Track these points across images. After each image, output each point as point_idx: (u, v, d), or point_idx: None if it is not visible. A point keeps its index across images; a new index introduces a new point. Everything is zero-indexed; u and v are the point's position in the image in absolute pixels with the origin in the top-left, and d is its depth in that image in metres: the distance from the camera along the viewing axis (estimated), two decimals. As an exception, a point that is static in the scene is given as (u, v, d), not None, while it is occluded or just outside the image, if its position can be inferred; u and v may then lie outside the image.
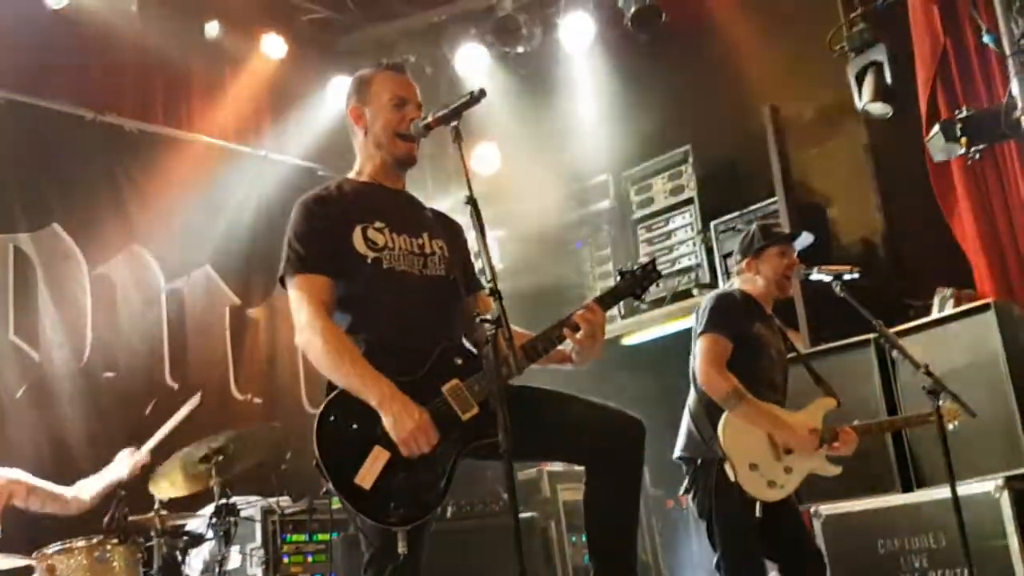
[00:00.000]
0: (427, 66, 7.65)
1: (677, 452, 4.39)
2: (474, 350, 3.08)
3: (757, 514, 4.08)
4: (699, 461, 4.24)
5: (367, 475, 2.79)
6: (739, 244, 4.63)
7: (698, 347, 4.29)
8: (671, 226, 7.49)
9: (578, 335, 3.01)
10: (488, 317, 2.67)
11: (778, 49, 6.78)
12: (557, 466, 6.24)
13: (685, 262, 7.27)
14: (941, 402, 4.18)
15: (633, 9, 7.01)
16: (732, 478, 4.09)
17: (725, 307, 4.34)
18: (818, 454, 4.28)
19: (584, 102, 7.72)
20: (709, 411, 4.23)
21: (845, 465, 4.46)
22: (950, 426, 4.31)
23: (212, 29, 6.99)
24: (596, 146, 7.71)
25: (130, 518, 4.69)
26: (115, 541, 4.58)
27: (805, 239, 4.62)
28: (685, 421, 4.39)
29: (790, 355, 4.58)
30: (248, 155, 7.47)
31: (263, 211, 7.28)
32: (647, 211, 7.64)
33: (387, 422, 2.83)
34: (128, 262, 6.68)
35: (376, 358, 2.93)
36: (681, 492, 4.35)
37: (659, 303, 7.22)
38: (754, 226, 4.60)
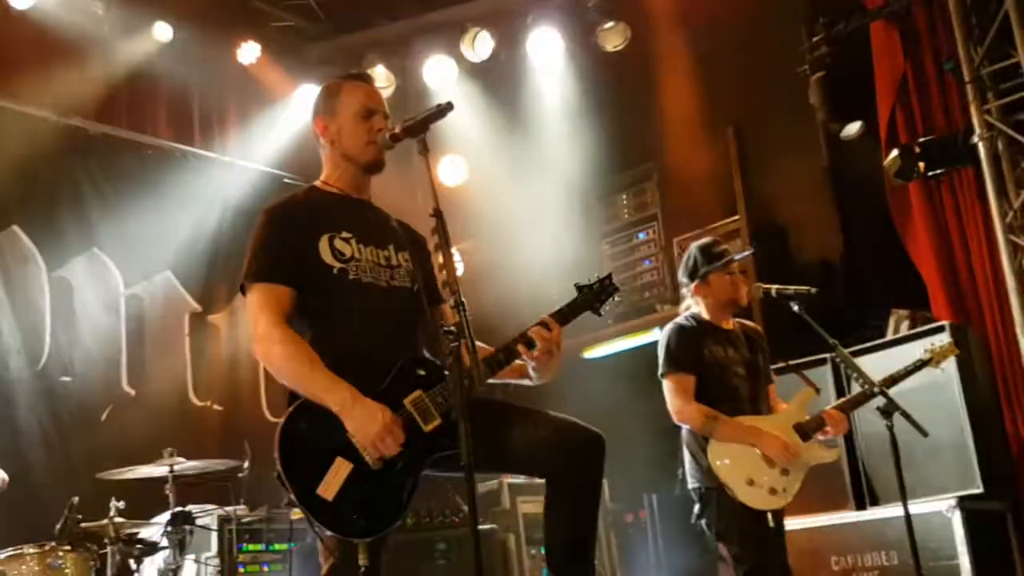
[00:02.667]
0: (396, 77, 7.65)
1: (688, 483, 4.47)
2: (437, 362, 3.08)
3: (770, 524, 4.18)
4: (703, 489, 4.32)
5: (329, 486, 2.78)
6: (683, 267, 4.69)
7: (664, 389, 4.42)
8: (635, 241, 7.55)
9: (534, 351, 3.02)
10: (451, 329, 2.67)
11: (742, 71, 6.87)
12: (517, 478, 6.25)
13: (648, 277, 7.33)
14: (892, 422, 4.25)
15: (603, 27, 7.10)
16: (739, 498, 4.18)
17: (678, 344, 4.44)
18: (810, 446, 4.34)
19: (550, 117, 7.76)
20: (699, 442, 4.34)
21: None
22: (938, 369, 4.48)
23: (175, 33, 6.93)
24: (562, 161, 7.75)
25: (83, 525, 4.63)
26: (67, 548, 4.51)
27: (741, 253, 4.73)
28: (685, 453, 4.48)
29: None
30: (213, 160, 7.42)
31: (227, 217, 7.23)
32: (611, 226, 7.69)
33: (350, 427, 2.82)
34: (87, 266, 6.60)
35: (339, 369, 2.91)
36: (692, 520, 4.41)
37: (622, 318, 7.27)
38: (694, 249, 4.63)
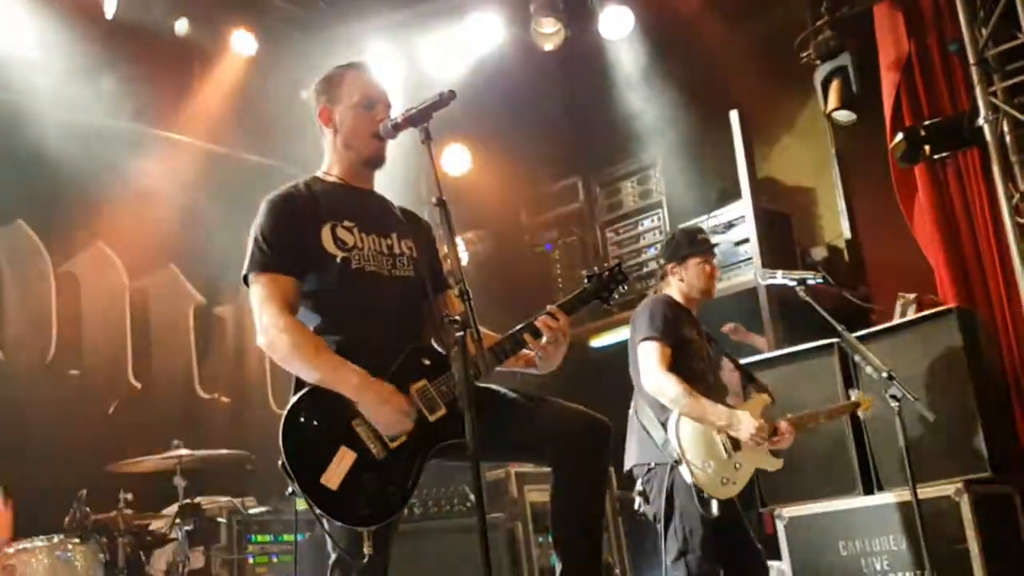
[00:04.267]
0: (398, 65, 7.62)
1: (629, 463, 4.44)
2: (442, 351, 3.08)
3: (714, 512, 4.14)
4: (653, 465, 4.30)
5: (333, 475, 2.79)
6: (663, 247, 4.70)
7: (640, 353, 4.37)
8: (639, 229, 7.54)
9: (541, 340, 3.02)
10: (456, 318, 2.66)
11: (746, 55, 6.84)
12: (525, 467, 6.24)
13: (653, 265, 7.31)
14: (902, 405, 4.24)
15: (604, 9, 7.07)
16: (689, 479, 4.15)
17: (660, 313, 4.41)
18: (761, 449, 4.35)
19: (553, 103, 7.73)
20: (659, 415, 4.31)
21: (807, 467, 4.51)
22: (861, 414, 4.59)
23: (181, 26, 6.91)
24: (566, 148, 7.74)
25: (92, 517, 4.65)
26: (76, 540, 4.53)
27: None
28: (635, 430, 4.44)
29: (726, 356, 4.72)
30: (216, 153, 7.41)
31: (230, 209, 7.21)
32: (616, 214, 7.68)
33: (365, 408, 2.83)
34: (93, 260, 6.61)
35: (344, 358, 2.91)
36: (636, 505, 4.39)
37: (627, 306, 7.25)
38: (679, 230, 4.64)
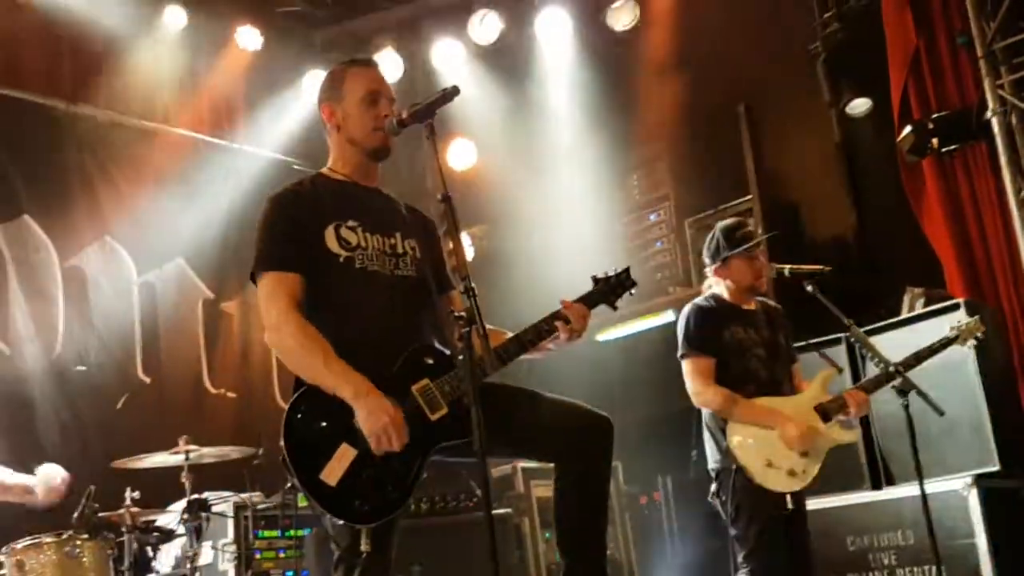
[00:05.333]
0: (403, 61, 7.61)
1: (708, 464, 4.45)
2: (445, 350, 3.07)
3: (789, 506, 4.14)
4: (720, 469, 4.31)
5: (333, 472, 2.78)
6: (706, 248, 4.66)
7: (683, 370, 4.40)
8: (646, 223, 7.52)
9: (570, 325, 3.03)
10: (461, 313, 2.65)
11: (753, 48, 6.80)
12: (531, 462, 6.25)
13: (660, 259, 7.29)
14: (908, 400, 4.22)
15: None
16: (757, 481, 4.16)
17: (696, 325, 4.41)
18: (831, 427, 4.30)
19: (559, 98, 7.71)
20: (718, 422, 4.33)
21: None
22: (965, 347, 4.47)
23: (182, 19, 6.92)
24: (572, 142, 7.72)
25: (100, 514, 4.65)
26: (84, 536, 4.53)
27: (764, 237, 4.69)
28: (705, 432, 4.46)
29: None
30: (222, 147, 7.42)
31: (237, 204, 7.22)
32: (623, 207, 7.66)
33: (360, 416, 2.82)
34: (100, 254, 6.61)
35: (346, 358, 2.91)
36: (709, 497, 4.38)
37: (634, 299, 7.22)
38: (717, 231, 4.59)
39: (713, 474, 4.36)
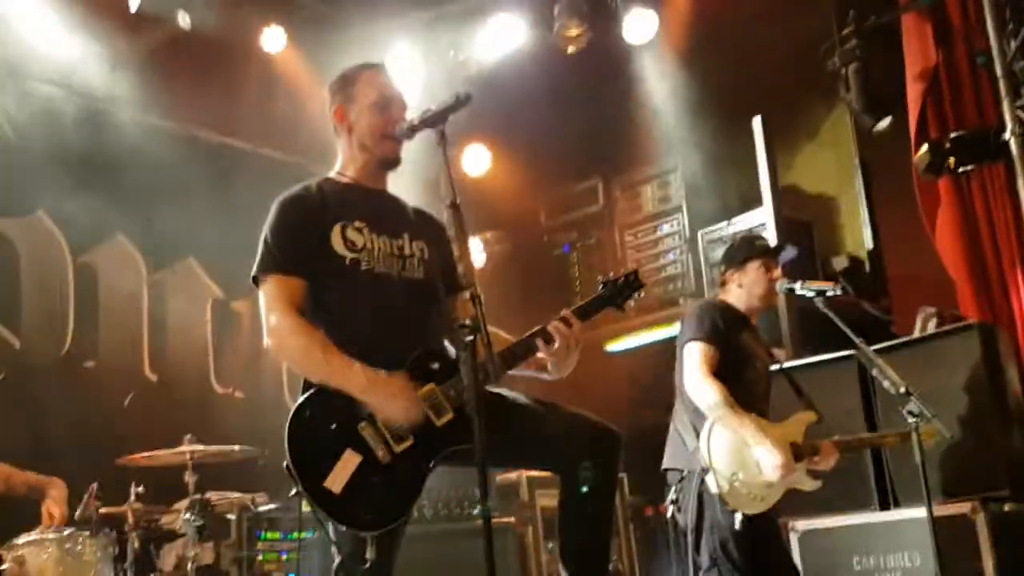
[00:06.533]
0: (421, 64, 7.60)
1: (664, 463, 4.38)
2: (451, 354, 3.05)
3: (736, 526, 4.06)
4: (684, 472, 4.23)
5: (337, 479, 2.78)
6: (723, 255, 4.64)
7: (685, 355, 4.28)
8: (659, 233, 7.50)
9: (552, 347, 2.99)
10: (467, 321, 2.64)
11: (771, 62, 6.78)
12: (537, 472, 6.23)
13: (672, 270, 7.28)
14: (919, 421, 4.17)
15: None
16: (714, 490, 4.08)
17: (712, 316, 4.33)
18: (800, 467, 4.25)
19: (576, 107, 7.69)
20: (694, 421, 4.23)
21: (824, 481, 4.44)
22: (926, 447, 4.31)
23: (204, 19, 6.91)
24: (587, 151, 7.71)
25: (102, 511, 4.65)
26: (86, 534, 4.53)
27: (788, 252, 4.62)
28: (671, 434, 4.38)
29: (774, 367, 4.58)
30: (235, 148, 7.43)
31: (249, 204, 7.18)
32: (635, 218, 7.64)
33: (374, 405, 2.81)
34: (111, 252, 6.63)
35: (351, 359, 2.89)
36: (666, 503, 4.32)
37: (644, 310, 7.22)
38: (738, 236, 4.59)
39: (675, 477, 4.26)
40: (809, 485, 4.33)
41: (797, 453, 4.22)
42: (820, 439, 4.34)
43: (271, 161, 7.53)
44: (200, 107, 7.23)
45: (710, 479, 4.09)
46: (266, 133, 7.56)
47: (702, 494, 4.13)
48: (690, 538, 4.17)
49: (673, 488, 4.29)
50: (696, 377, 4.19)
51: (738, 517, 4.06)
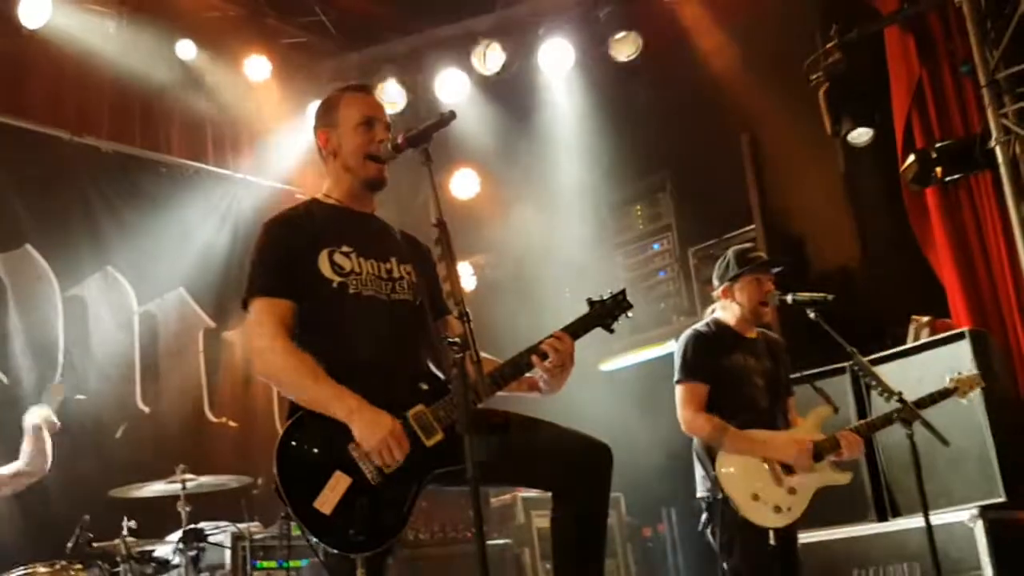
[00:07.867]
0: (408, 91, 7.62)
1: (697, 492, 4.41)
2: (440, 376, 3.04)
3: (771, 542, 4.08)
4: (711, 499, 4.26)
5: (327, 501, 2.74)
6: (716, 269, 4.65)
7: (676, 396, 4.37)
8: (649, 252, 7.51)
9: (547, 363, 2.97)
10: (456, 340, 2.62)
11: (756, 78, 6.81)
12: (532, 492, 6.19)
13: (663, 288, 7.27)
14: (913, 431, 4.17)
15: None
16: (739, 512, 4.10)
17: (694, 350, 4.39)
18: (822, 467, 4.26)
19: (563, 128, 7.72)
20: (708, 451, 4.28)
21: (821, 493, 4.43)
22: (964, 400, 4.37)
23: (188, 51, 6.95)
24: (575, 172, 7.72)
25: (95, 544, 4.61)
26: (78, 566, 4.48)
27: (779, 266, 4.63)
28: (695, 462, 4.41)
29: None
30: (226, 177, 7.43)
31: (239, 234, 7.22)
32: (626, 237, 7.65)
33: (357, 432, 2.78)
34: (101, 284, 6.59)
35: (341, 383, 2.88)
36: (700, 528, 4.34)
37: (637, 329, 7.22)
38: (730, 252, 4.59)
39: (704, 504, 4.30)
40: (840, 479, 4.34)
41: (816, 452, 4.24)
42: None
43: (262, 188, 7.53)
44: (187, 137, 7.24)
45: (732, 504, 4.13)
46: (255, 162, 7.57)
47: (725, 518, 4.15)
48: (722, 564, 4.20)
49: (704, 515, 4.32)
50: (687, 417, 4.30)
51: (771, 534, 4.09)
